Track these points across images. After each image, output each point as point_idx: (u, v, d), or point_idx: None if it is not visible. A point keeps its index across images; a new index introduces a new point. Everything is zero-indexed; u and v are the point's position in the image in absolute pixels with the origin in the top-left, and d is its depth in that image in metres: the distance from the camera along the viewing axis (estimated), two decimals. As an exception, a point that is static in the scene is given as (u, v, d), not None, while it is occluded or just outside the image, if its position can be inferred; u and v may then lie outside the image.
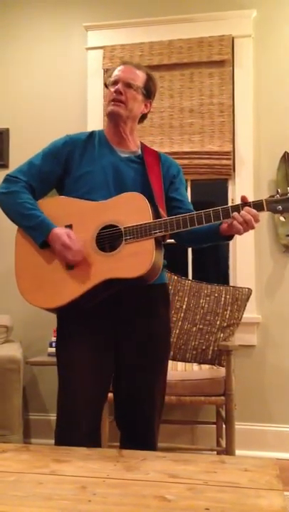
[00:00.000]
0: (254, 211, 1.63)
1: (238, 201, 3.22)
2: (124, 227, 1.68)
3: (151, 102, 1.91)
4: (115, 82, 1.82)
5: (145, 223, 1.66)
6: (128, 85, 1.81)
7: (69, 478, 1.30)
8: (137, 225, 1.66)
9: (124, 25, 3.29)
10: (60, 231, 1.70)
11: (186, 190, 1.98)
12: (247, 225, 1.63)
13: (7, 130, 3.42)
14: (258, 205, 1.65)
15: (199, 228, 1.68)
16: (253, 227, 1.65)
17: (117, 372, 1.81)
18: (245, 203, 1.66)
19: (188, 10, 3.23)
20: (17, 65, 3.46)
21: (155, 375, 1.79)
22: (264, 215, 3.07)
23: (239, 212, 1.63)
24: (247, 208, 1.64)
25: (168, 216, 1.80)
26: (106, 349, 1.76)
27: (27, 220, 1.75)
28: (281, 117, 3.12)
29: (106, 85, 1.89)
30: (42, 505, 1.13)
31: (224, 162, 3.12)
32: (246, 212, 1.63)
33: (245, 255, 3.10)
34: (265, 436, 3.00)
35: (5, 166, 3.38)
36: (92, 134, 1.90)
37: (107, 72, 1.93)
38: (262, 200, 1.66)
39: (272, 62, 3.16)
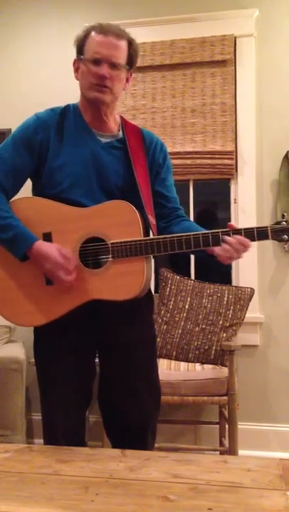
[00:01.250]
0: (247, 241, 1.49)
1: (240, 201, 3.21)
2: (112, 243, 1.51)
3: (131, 73, 1.68)
4: (97, 62, 1.56)
5: (136, 241, 1.50)
6: (113, 66, 1.57)
7: (72, 478, 1.30)
8: (126, 242, 1.50)
9: (126, 25, 3.22)
10: (47, 247, 1.51)
11: (172, 175, 1.79)
12: (234, 253, 1.50)
13: (9, 131, 3.42)
14: (262, 233, 1.51)
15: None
16: (239, 257, 1.52)
17: (101, 375, 1.72)
18: (243, 229, 1.51)
19: (190, 10, 3.23)
20: (19, 66, 3.46)
21: (142, 377, 1.69)
22: (267, 216, 3.07)
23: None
24: (237, 236, 1.49)
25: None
26: (87, 360, 1.67)
27: (2, 232, 1.53)
28: (284, 117, 3.12)
29: (79, 54, 1.62)
30: (45, 506, 1.14)
31: (226, 162, 3.12)
32: (236, 241, 1.49)
33: (248, 255, 3.06)
34: (268, 436, 3.00)
35: (7, 166, 3.38)
36: (65, 110, 1.67)
37: (80, 35, 1.64)
38: (267, 227, 1.51)
39: (275, 62, 3.16)
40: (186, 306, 2.87)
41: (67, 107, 1.69)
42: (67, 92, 3.45)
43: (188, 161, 3.12)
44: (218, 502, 1.15)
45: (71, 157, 1.60)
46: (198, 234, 1.52)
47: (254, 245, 3.12)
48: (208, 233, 1.52)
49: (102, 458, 1.46)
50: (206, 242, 1.51)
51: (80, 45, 1.63)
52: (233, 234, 1.51)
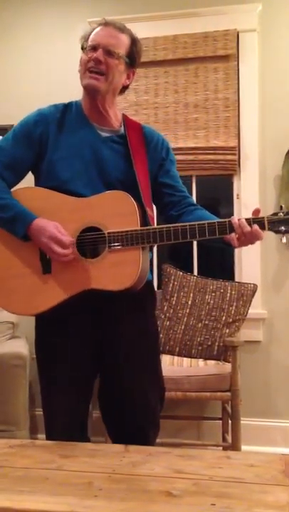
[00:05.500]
0: (259, 230, 1.48)
1: (243, 197, 3.20)
2: (109, 233, 1.51)
3: (134, 72, 1.69)
4: (94, 48, 1.57)
5: (132, 231, 1.50)
6: (109, 53, 1.57)
7: (75, 473, 1.30)
8: (122, 232, 1.50)
9: (129, 21, 3.22)
10: (45, 222, 1.52)
11: (176, 167, 1.80)
12: (245, 239, 1.49)
13: (11, 127, 3.40)
14: (257, 224, 1.49)
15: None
16: (252, 243, 1.51)
17: (103, 370, 1.71)
18: (246, 219, 1.50)
19: (192, 4, 3.21)
20: (21, 62, 3.45)
21: (145, 372, 1.68)
22: (270, 212, 3.06)
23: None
24: (254, 226, 1.48)
25: (160, 205, 1.68)
26: (90, 348, 1.65)
27: (2, 212, 1.55)
28: (287, 112, 3.10)
29: (82, 48, 1.63)
30: (48, 501, 1.14)
31: (229, 157, 3.11)
32: (250, 228, 1.48)
33: (251, 251, 3.08)
34: (271, 432, 3.00)
35: (10, 162, 3.38)
36: (67, 106, 1.69)
37: (86, 33, 1.66)
38: (263, 217, 1.50)
39: (278, 57, 3.14)
40: (189, 302, 2.87)
41: (70, 103, 1.71)
42: (69, 87, 3.43)
43: (191, 157, 3.11)
44: (221, 497, 1.15)
45: (71, 150, 1.60)
46: (194, 225, 1.51)
47: (256, 242, 3.12)
48: (204, 223, 1.51)
49: (105, 453, 1.46)
50: (193, 234, 1.50)
51: (83, 39, 1.65)
52: (229, 227, 1.49)
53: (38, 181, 1.67)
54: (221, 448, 2.70)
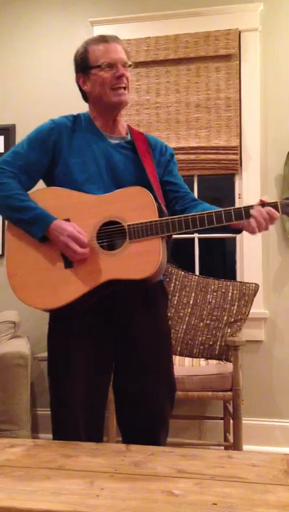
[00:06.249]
0: (274, 211, 1.55)
1: (244, 196, 3.21)
2: (128, 225, 1.57)
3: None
4: (111, 66, 1.66)
5: (151, 221, 1.56)
6: (125, 65, 1.68)
7: (77, 473, 1.30)
8: (142, 223, 1.56)
9: (130, 20, 3.28)
10: (64, 223, 1.58)
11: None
12: (262, 225, 1.56)
13: (13, 126, 3.42)
14: (272, 207, 1.57)
15: None
16: (266, 229, 1.58)
17: (116, 371, 1.74)
18: (260, 204, 1.57)
19: (194, 4, 3.21)
20: (23, 61, 3.45)
21: (158, 373, 1.71)
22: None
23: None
24: (268, 208, 1.56)
25: (165, 202, 1.73)
26: (104, 349, 1.69)
27: (21, 213, 1.60)
28: (288, 111, 3.10)
29: (85, 68, 1.71)
30: (50, 500, 1.14)
31: (231, 157, 3.11)
32: (265, 212, 1.55)
33: (253, 250, 3.09)
34: (273, 432, 3.00)
35: (12, 162, 3.39)
36: (77, 117, 1.78)
37: (80, 53, 1.74)
38: (276, 202, 1.58)
39: (280, 56, 3.14)
40: (191, 302, 2.87)
41: (78, 115, 1.80)
42: (69, 88, 3.44)
43: (193, 156, 3.11)
44: (222, 497, 1.15)
45: (84, 156, 1.68)
46: (211, 212, 1.59)
47: (259, 241, 3.13)
48: (220, 210, 1.59)
49: (107, 453, 1.46)
50: (228, 218, 1.58)
51: (84, 59, 1.72)
52: (245, 211, 1.57)
53: (51, 185, 1.72)
54: (222, 447, 2.70)
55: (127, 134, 1.79)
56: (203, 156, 3.13)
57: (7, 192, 1.62)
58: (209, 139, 3.14)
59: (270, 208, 1.56)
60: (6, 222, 1.70)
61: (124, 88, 1.68)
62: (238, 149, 3.10)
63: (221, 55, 3.14)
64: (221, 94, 3.14)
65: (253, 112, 3.12)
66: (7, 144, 3.41)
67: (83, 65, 1.72)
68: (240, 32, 3.13)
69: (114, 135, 1.76)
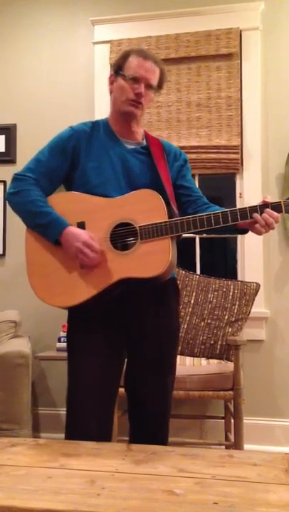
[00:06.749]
0: (276, 214, 1.63)
1: (245, 196, 3.21)
2: (140, 226, 1.66)
3: (155, 94, 1.90)
4: (136, 80, 1.77)
5: (161, 222, 1.64)
6: (149, 86, 1.79)
7: (78, 472, 1.30)
8: (152, 224, 1.64)
9: (131, 19, 3.27)
10: (77, 230, 1.68)
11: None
12: (268, 228, 1.64)
13: (14, 126, 3.42)
14: (275, 207, 1.64)
15: None
16: (273, 229, 1.66)
17: (128, 366, 1.82)
18: (264, 205, 1.65)
19: (195, 3, 3.21)
20: (24, 60, 3.46)
21: (167, 370, 1.80)
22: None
23: (258, 213, 1.64)
24: (269, 210, 1.63)
25: (177, 205, 1.80)
26: (117, 345, 1.77)
27: (38, 218, 1.71)
28: (289, 111, 3.10)
29: (118, 70, 1.81)
30: (51, 499, 1.14)
31: (232, 156, 3.11)
32: (268, 216, 1.63)
33: (254, 250, 3.09)
34: (274, 431, 3.00)
35: (12, 161, 3.39)
36: (95, 124, 1.87)
37: (120, 55, 1.84)
38: (280, 202, 1.65)
39: (281, 55, 3.14)
40: (192, 301, 2.86)
41: (97, 121, 1.89)
42: (71, 87, 3.46)
43: (194, 156, 3.11)
44: (223, 496, 1.15)
45: (101, 161, 1.78)
46: (218, 212, 1.67)
47: (259, 240, 3.12)
48: (235, 210, 1.67)
49: (108, 452, 1.46)
50: (234, 218, 1.66)
51: (120, 63, 1.81)
52: (249, 211, 1.64)
53: (70, 188, 1.83)
54: (223, 447, 2.70)
55: (142, 139, 1.88)
56: (204, 156, 3.13)
57: (28, 198, 1.73)
58: (210, 138, 3.14)
59: (272, 211, 1.63)
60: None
61: (139, 103, 1.78)
62: (239, 148, 3.10)
63: (221, 54, 3.14)
64: (221, 93, 3.14)
65: (254, 111, 3.12)
66: (8, 143, 3.41)
67: (117, 67, 1.82)
68: (241, 31, 3.13)
69: (130, 140, 1.85)
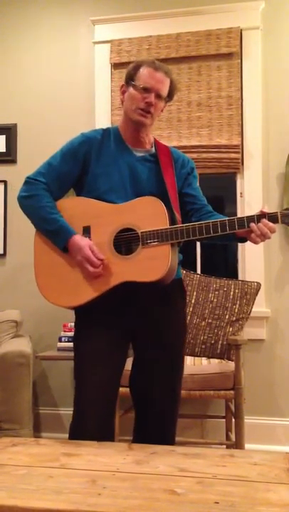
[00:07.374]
0: (271, 224, 1.67)
1: (246, 195, 3.21)
2: (142, 232, 1.72)
3: (166, 105, 1.94)
4: (147, 90, 1.81)
5: (162, 229, 1.70)
6: (159, 97, 1.83)
7: (79, 471, 1.30)
8: (154, 231, 1.71)
9: (132, 19, 3.27)
10: (81, 242, 1.74)
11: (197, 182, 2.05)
12: (264, 237, 1.69)
13: (15, 126, 3.42)
14: (272, 218, 1.69)
15: None
16: (269, 238, 1.70)
17: (135, 366, 1.86)
18: (261, 215, 1.69)
19: (195, 2, 3.21)
20: (24, 60, 3.45)
21: (173, 368, 1.82)
22: (273, 210, 3.05)
23: (254, 222, 1.68)
24: (264, 221, 1.68)
25: (182, 213, 1.85)
26: (122, 343, 1.81)
27: (48, 224, 1.79)
28: (290, 110, 3.10)
29: (130, 80, 1.85)
30: (52, 499, 1.14)
31: (232, 156, 3.11)
32: (263, 226, 1.67)
33: (254, 249, 3.07)
34: (275, 430, 3.00)
35: (13, 161, 3.39)
36: (106, 131, 1.92)
37: (132, 66, 1.89)
38: (276, 212, 1.69)
39: (281, 55, 3.14)
40: (193, 301, 2.86)
41: (108, 128, 1.95)
42: (71, 86, 3.46)
43: (194, 155, 3.11)
44: (224, 496, 1.15)
45: (110, 168, 1.84)
46: (216, 221, 1.72)
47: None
48: (233, 219, 1.72)
49: (109, 451, 1.46)
50: (232, 227, 1.71)
51: (131, 74, 1.86)
52: (247, 221, 1.69)
53: (80, 193, 1.89)
54: (224, 446, 2.70)
55: (151, 147, 1.93)
56: (204, 155, 3.13)
57: (38, 203, 1.80)
58: (211, 138, 3.14)
59: (267, 222, 1.68)
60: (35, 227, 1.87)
61: (148, 112, 1.82)
62: (239, 148, 3.10)
63: (222, 53, 3.14)
64: (222, 92, 3.14)
65: (255, 110, 3.12)
66: (8, 143, 3.41)
67: (129, 76, 1.86)
68: (241, 30, 3.13)
69: (139, 148, 1.90)
